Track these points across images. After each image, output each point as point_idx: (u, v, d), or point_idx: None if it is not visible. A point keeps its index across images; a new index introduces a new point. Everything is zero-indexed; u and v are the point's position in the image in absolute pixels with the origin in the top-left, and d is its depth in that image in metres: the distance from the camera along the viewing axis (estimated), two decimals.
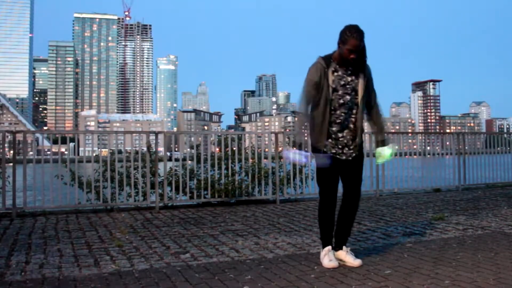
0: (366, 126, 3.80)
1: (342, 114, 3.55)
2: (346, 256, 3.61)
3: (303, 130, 3.65)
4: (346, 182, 3.67)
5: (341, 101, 3.54)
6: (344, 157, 3.58)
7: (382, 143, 3.73)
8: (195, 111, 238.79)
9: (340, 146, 3.58)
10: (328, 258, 3.56)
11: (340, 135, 3.57)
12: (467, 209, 6.56)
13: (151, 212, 6.61)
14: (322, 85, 3.51)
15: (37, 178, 6.52)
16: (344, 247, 3.66)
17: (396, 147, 3.80)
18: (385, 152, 3.71)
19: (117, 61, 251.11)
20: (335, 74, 3.53)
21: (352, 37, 3.40)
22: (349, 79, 3.56)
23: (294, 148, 3.65)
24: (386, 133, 3.81)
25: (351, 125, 3.59)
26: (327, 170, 3.58)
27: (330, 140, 3.57)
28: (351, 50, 3.43)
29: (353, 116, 3.58)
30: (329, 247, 3.61)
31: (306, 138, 3.69)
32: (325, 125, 3.53)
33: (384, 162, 3.60)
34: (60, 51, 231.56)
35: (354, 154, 3.61)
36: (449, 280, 3.17)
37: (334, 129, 3.56)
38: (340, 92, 3.53)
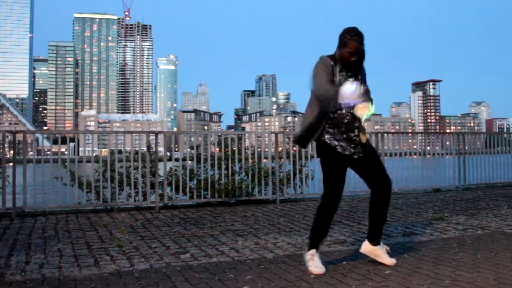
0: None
1: (349, 114, 3.53)
2: (383, 253, 3.62)
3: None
4: (372, 175, 3.63)
5: None
6: (356, 156, 3.54)
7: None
8: (195, 111, 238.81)
9: (353, 145, 3.54)
10: (315, 263, 3.44)
11: (352, 134, 3.54)
12: (467, 209, 6.57)
13: (151, 212, 6.61)
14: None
15: (37, 178, 6.52)
16: (381, 243, 3.67)
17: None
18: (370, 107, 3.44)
19: (117, 61, 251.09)
20: (341, 73, 3.53)
21: (353, 39, 3.41)
22: (350, 80, 3.54)
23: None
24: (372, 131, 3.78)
25: (357, 124, 3.57)
26: (338, 170, 3.55)
27: (342, 141, 3.52)
28: (351, 53, 3.44)
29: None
30: (315, 251, 3.51)
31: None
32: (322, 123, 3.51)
33: (367, 116, 3.41)
34: (60, 51, 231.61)
35: (365, 150, 3.59)
36: (449, 280, 3.17)
37: (343, 129, 3.53)
38: None
